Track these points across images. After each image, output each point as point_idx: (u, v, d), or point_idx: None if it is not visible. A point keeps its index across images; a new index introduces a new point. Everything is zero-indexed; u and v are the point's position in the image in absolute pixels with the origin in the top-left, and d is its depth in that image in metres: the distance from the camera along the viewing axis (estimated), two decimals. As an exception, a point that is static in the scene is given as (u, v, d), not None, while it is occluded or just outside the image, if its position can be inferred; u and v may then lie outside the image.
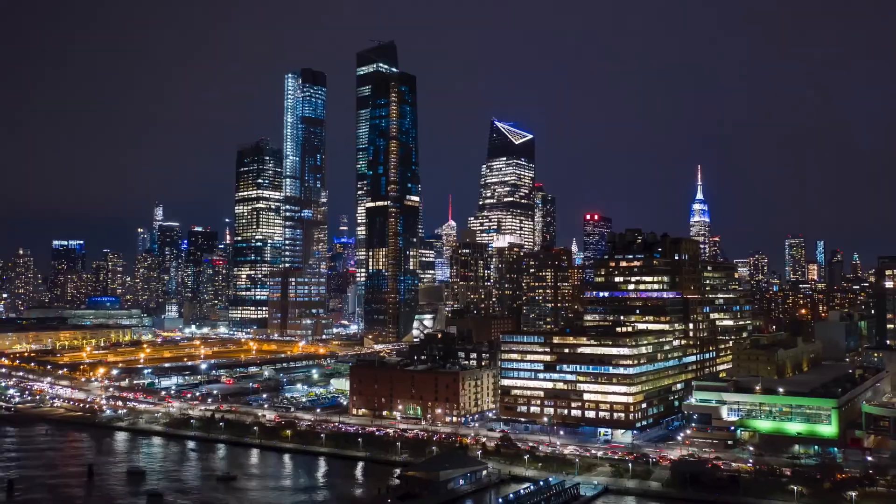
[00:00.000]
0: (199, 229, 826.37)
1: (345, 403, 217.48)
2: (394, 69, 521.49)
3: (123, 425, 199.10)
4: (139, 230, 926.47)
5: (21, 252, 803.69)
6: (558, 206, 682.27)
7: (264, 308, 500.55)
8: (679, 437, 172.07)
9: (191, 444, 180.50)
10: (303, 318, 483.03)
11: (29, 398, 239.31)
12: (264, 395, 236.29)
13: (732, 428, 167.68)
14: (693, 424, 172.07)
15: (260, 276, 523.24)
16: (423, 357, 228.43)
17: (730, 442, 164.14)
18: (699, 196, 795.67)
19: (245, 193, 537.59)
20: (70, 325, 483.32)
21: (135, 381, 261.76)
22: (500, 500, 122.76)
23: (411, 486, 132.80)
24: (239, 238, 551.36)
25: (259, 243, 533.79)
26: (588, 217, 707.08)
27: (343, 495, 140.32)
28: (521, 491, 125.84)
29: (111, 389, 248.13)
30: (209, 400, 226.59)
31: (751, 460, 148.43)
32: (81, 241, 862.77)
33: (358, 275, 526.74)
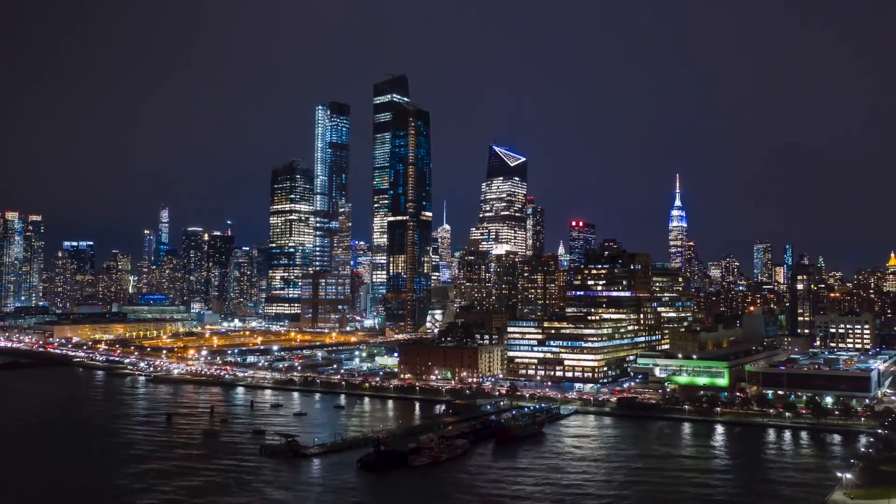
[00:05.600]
0: (218, 233, 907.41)
1: (395, 371, 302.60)
2: (406, 98, 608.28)
3: (243, 384, 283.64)
4: (146, 231, 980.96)
5: (60, 254, 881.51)
6: (547, 213, 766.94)
7: (297, 304, 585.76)
8: (625, 387, 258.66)
9: (295, 395, 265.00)
10: (329, 313, 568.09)
11: (155, 369, 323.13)
12: (334, 367, 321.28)
13: (663, 382, 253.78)
14: (636, 380, 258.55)
15: (292, 277, 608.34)
16: (449, 338, 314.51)
17: (659, 391, 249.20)
18: (677, 203, 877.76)
19: (279, 206, 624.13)
20: (130, 319, 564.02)
21: (226, 359, 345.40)
22: (514, 412, 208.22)
23: (458, 409, 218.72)
24: (273, 244, 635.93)
25: (291, 249, 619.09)
26: (574, 223, 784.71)
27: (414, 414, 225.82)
28: (525, 409, 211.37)
29: (218, 361, 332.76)
30: (298, 368, 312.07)
31: (667, 397, 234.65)
32: (91, 242, 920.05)
33: (377, 277, 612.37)
